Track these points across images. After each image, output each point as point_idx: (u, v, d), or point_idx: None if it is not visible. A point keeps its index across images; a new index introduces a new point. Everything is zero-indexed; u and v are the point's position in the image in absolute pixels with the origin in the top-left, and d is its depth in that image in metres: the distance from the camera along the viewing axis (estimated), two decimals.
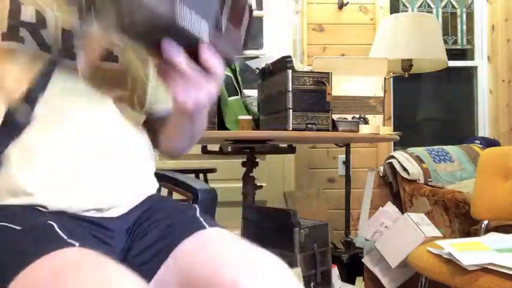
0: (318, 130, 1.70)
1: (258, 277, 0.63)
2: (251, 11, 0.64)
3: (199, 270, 0.67)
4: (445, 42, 2.81)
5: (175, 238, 0.74)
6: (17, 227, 0.67)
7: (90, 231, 0.76)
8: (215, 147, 1.96)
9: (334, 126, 1.74)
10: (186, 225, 0.77)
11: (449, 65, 2.50)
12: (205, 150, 2.10)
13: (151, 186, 0.90)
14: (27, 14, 0.76)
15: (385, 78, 2.08)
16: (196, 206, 0.86)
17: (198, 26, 0.50)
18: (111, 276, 0.59)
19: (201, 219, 0.79)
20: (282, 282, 0.65)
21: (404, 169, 2.45)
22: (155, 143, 0.95)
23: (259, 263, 0.66)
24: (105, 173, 0.79)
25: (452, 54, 2.84)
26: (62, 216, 0.74)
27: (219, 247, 0.69)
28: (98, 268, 0.60)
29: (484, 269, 1.24)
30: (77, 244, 0.66)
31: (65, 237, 0.67)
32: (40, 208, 0.73)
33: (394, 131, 2.10)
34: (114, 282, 0.57)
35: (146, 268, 0.73)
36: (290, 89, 1.68)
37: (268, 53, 2.68)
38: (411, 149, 2.57)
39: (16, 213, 0.71)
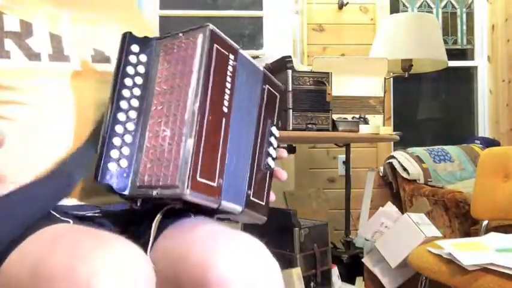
0: (318, 130, 1.70)
1: (224, 255, 0.64)
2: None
3: (171, 255, 0.68)
4: (445, 42, 2.81)
5: (161, 228, 0.76)
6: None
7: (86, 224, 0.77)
8: None
9: (334, 126, 1.74)
10: (172, 215, 0.79)
11: (449, 65, 2.50)
12: None
13: None
14: (12, 23, 0.76)
15: (385, 78, 2.08)
16: None
17: (234, 208, 0.75)
18: (107, 238, 0.61)
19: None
20: (250, 263, 0.65)
21: (405, 169, 2.45)
22: None
23: (230, 244, 0.66)
24: None
25: (452, 54, 2.83)
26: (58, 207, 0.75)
27: (193, 232, 0.71)
28: (94, 233, 0.63)
29: (484, 269, 1.24)
30: (71, 222, 0.69)
31: (59, 216, 0.70)
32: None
33: (394, 131, 2.09)
34: (111, 243, 0.59)
35: None
36: (290, 89, 1.68)
37: (268, 53, 2.68)
38: (411, 149, 2.57)
39: None
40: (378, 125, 1.87)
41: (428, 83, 3.09)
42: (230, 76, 0.73)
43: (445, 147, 2.63)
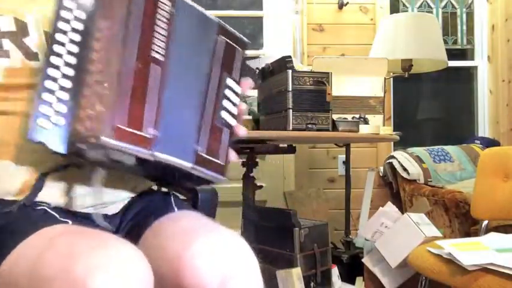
0: (318, 130, 1.70)
1: (199, 247, 0.64)
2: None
3: (153, 252, 0.69)
4: (445, 42, 2.81)
5: (145, 224, 0.76)
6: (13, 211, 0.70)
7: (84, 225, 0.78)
8: None
9: (334, 126, 1.74)
10: (157, 211, 0.79)
11: (449, 65, 2.50)
12: None
13: (146, 183, 0.91)
14: (6, 23, 0.76)
15: (385, 78, 2.08)
16: (171, 193, 0.89)
17: (179, 162, 0.72)
18: (104, 238, 0.61)
19: (173, 203, 0.84)
20: (225, 256, 0.65)
21: (405, 169, 2.45)
22: None
23: (205, 238, 0.66)
24: (98, 172, 0.79)
25: (452, 54, 2.83)
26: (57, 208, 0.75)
27: (173, 227, 0.71)
28: (91, 233, 0.63)
29: (484, 269, 1.24)
30: (70, 222, 0.70)
31: (58, 216, 0.71)
32: (41, 204, 0.75)
33: (394, 131, 2.09)
34: (108, 242, 0.59)
35: None
36: (290, 89, 1.68)
37: (268, 53, 2.68)
38: (411, 149, 2.57)
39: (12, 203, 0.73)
40: (378, 125, 1.86)
41: (428, 83, 3.09)
42: (165, 22, 0.70)
43: (445, 147, 2.63)
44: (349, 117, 1.87)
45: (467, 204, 1.93)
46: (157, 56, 0.69)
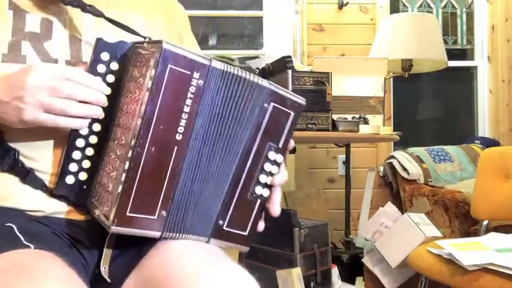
0: (318, 130, 1.70)
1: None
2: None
3: (150, 283, 0.67)
4: (445, 42, 2.81)
5: (145, 246, 0.73)
6: None
7: (71, 233, 0.76)
8: None
9: (334, 126, 1.74)
10: None
11: (449, 65, 2.50)
12: None
13: None
14: (33, 23, 0.74)
15: (385, 78, 2.08)
16: None
17: (194, 238, 0.72)
18: (41, 278, 0.58)
19: None
20: None
21: (405, 169, 2.45)
22: None
23: (211, 274, 0.62)
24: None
25: (452, 54, 2.84)
26: (37, 219, 0.73)
27: (177, 265, 0.67)
28: (31, 272, 0.60)
29: (484, 269, 1.24)
30: (32, 246, 0.66)
31: (22, 239, 0.67)
32: (30, 213, 0.73)
33: (394, 131, 2.10)
34: (40, 283, 0.57)
35: (116, 275, 0.73)
36: (290, 89, 1.68)
37: (268, 53, 2.68)
38: (411, 149, 2.57)
39: None
40: (378, 125, 1.87)
41: (428, 83, 3.09)
42: (191, 98, 0.64)
43: (445, 147, 2.63)
44: (349, 117, 1.87)
45: (467, 204, 1.93)
46: (178, 136, 0.64)
